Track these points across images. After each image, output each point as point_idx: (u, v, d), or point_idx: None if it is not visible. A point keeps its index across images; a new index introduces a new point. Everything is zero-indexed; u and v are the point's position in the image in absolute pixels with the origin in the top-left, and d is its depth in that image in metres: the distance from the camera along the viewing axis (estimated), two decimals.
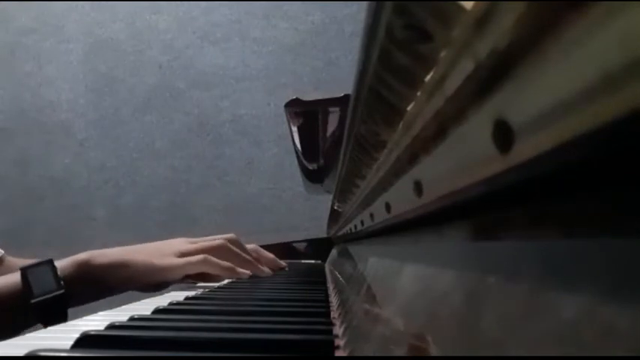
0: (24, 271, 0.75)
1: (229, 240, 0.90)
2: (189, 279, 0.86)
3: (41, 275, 0.75)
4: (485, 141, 0.16)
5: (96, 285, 0.79)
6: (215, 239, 0.90)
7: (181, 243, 0.88)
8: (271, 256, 1.04)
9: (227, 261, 0.87)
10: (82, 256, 0.79)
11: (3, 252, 0.92)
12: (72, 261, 0.78)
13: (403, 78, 0.23)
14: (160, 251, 0.84)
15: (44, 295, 0.73)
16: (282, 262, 1.07)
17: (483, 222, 0.19)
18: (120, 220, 2.08)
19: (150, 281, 0.82)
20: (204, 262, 0.82)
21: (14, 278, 0.75)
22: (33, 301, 0.73)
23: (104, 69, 2.17)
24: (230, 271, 0.85)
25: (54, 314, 0.73)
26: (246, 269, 0.90)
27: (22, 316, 0.74)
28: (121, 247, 0.84)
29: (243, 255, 0.91)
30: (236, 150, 2.08)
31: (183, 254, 0.83)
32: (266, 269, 0.95)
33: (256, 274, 0.91)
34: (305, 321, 0.47)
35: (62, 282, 0.75)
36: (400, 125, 0.27)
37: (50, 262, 0.76)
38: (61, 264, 0.77)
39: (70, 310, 0.75)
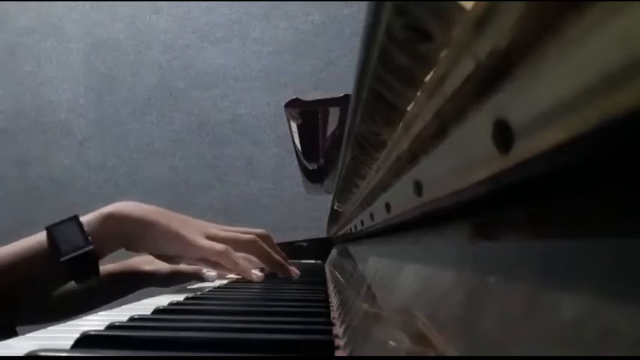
0: (49, 229, 0.73)
1: (261, 236, 0.88)
2: (204, 264, 0.84)
3: (68, 232, 0.73)
4: (486, 141, 0.16)
5: (122, 238, 0.77)
6: (248, 232, 0.88)
7: (213, 227, 0.85)
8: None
9: (255, 256, 0.86)
10: (107, 208, 0.77)
11: None
12: (98, 215, 0.76)
13: (403, 78, 0.23)
14: (189, 225, 0.81)
15: (73, 252, 0.72)
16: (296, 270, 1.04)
17: (483, 222, 0.19)
18: None
19: (168, 250, 0.79)
20: (223, 253, 0.79)
21: (40, 238, 0.73)
22: (62, 259, 0.71)
23: (104, 69, 2.17)
24: (244, 273, 0.83)
25: (85, 270, 0.72)
26: (274, 269, 0.88)
27: (53, 275, 0.72)
28: (152, 206, 0.81)
29: (272, 254, 0.88)
30: (236, 150, 2.08)
31: (209, 237, 0.80)
32: (295, 270, 0.92)
33: (284, 274, 0.89)
34: (305, 321, 0.47)
35: (90, 237, 0.73)
36: (400, 125, 0.27)
37: (75, 217, 0.74)
38: (86, 218, 0.75)
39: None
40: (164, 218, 0.79)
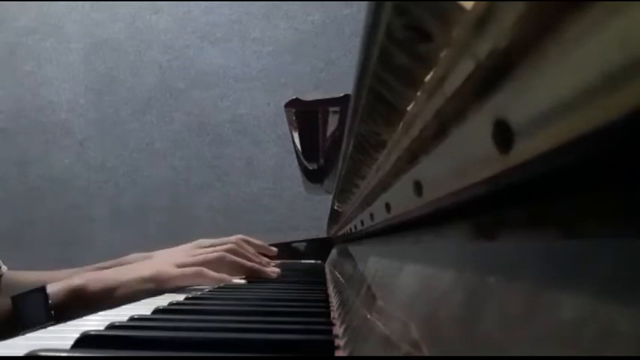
0: (15, 300, 0.74)
1: (233, 246, 0.92)
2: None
3: (32, 306, 0.75)
4: (486, 141, 0.16)
5: (89, 309, 0.78)
6: (223, 242, 0.93)
7: (185, 251, 0.90)
8: (259, 242, 1.06)
9: (229, 269, 0.89)
10: (76, 281, 0.79)
11: (6, 268, 0.92)
12: (66, 287, 0.78)
13: (403, 78, 0.23)
14: (157, 261, 0.86)
15: (34, 325, 0.72)
16: (272, 248, 1.09)
17: (483, 222, 0.19)
18: (120, 220, 2.08)
19: (144, 292, 0.82)
20: (197, 274, 0.84)
21: (6, 306, 0.74)
22: (22, 333, 0.73)
23: (104, 69, 2.17)
24: (222, 281, 0.86)
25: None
26: (250, 275, 0.92)
27: (7, 327, 0.72)
28: (114, 262, 0.85)
29: (245, 264, 0.92)
30: (236, 150, 2.08)
31: (179, 266, 0.85)
32: (272, 270, 0.96)
33: (264, 277, 0.93)
34: (305, 321, 0.47)
35: (53, 311, 0.75)
36: (400, 125, 0.27)
37: (43, 290, 0.75)
38: (53, 289, 0.76)
39: None
40: (129, 273, 0.83)
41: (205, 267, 0.85)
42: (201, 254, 0.90)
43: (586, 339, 0.10)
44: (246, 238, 0.99)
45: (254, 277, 0.93)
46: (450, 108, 0.19)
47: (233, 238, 0.96)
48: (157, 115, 2.13)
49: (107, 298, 0.78)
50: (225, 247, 0.93)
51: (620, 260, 0.10)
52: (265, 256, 1.05)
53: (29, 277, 0.83)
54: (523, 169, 0.14)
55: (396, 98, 0.25)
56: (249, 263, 0.93)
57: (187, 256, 0.89)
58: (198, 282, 0.84)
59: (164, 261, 0.86)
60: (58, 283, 0.79)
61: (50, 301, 0.75)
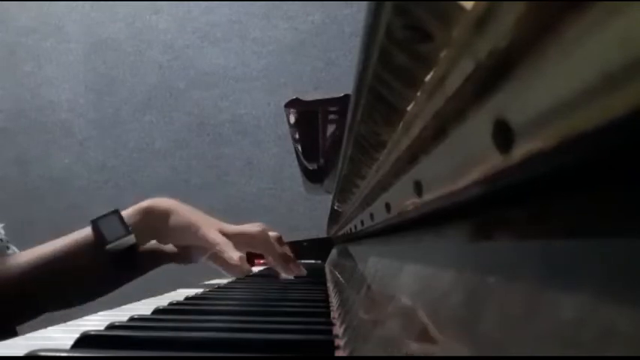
0: (94, 221, 0.81)
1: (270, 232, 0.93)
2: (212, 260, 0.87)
3: (111, 223, 0.81)
4: (486, 141, 0.16)
5: (155, 231, 0.85)
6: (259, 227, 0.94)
7: (226, 225, 0.91)
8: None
9: (261, 250, 0.91)
10: (145, 203, 0.86)
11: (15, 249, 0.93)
12: (137, 209, 0.85)
13: (403, 78, 0.23)
14: (207, 220, 0.89)
15: (117, 240, 0.79)
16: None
17: (483, 222, 0.19)
18: None
19: (188, 240, 0.85)
20: (227, 244, 0.84)
21: (84, 231, 0.81)
22: (108, 246, 0.79)
23: (104, 69, 2.17)
24: (234, 270, 0.86)
25: (128, 262, 0.80)
26: (280, 264, 0.91)
27: (101, 266, 0.79)
28: (177, 202, 0.90)
29: (279, 248, 0.93)
30: (236, 150, 2.08)
31: (222, 232, 0.86)
32: (302, 269, 0.96)
33: (291, 272, 0.93)
34: (305, 321, 0.47)
35: (130, 228, 0.81)
36: (400, 125, 0.27)
37: (117, 212, 0.82)
38: (126, 212, 0.83)
39: (71, 310, 0.75)
40: (188, 213, 0.87)
41: (244, 240, 0.86)
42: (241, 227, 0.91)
43: (586, 339, 0.10)
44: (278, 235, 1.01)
45: (283, 266, 0.92)
46: (450, 108, 0.19)
47: (269, 228, 0.97)
48: (156, 115, 2.13)
49: (166, 224, 0.84)
50: (266, 227, 0.93)
51: (620, 260, 0.10)
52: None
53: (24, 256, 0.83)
54: (523, 169, 0.14)
55: (396, 98, 0.25)
56: (283, 250, 0.93)
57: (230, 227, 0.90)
58: (222, 250, 0.84)
59: (212, 223, 0.87)
60: (129, 208, 0.85)
61: (125, 220, 0.81)
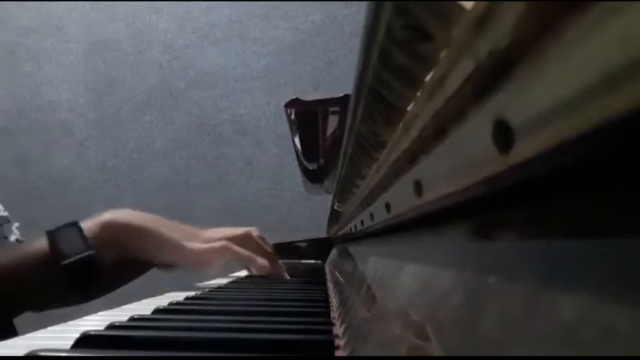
0: (50, 234, 0.72)
1: (252, 232, 0.90)
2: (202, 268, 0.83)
3: (68, 236, 0.72)
4: (486, 141, 0.16)
5: (120, 247, 0.76)
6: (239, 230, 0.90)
7: (205, 231, 0.86)
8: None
9: (250, 250, 0.86)
10: (106, 215, 0.76)
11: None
12: (97, 221, 0.75)
13: (403, 78, 0.23)
14: (185, 232, 0.81)
15: (74, 255, 0.70)
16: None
17: (483, 222, 0.19)
18: None
19: (167, 258, 0.78)
20: (224, 248, 0.80)
21: (41, 243, 0.72)
22: (63, 262, 0.70)
23: (104, 69, 2.17)
24: (249, 260, 0.84)
25: (85, 278, 0.71)
26: (266, 263, 0.87)
27: (53, 282, 0.71)
28: (149, 214, 0.80)
29: (266, 248, 0.90)
30: (236, 150, 2.08)
31: (206, 241, 0.81)
32: (283, 271, 0.92)
33: (273, 272, 0.89)
34: (305, 321, 0.47)
35: (90, 242, 0.72)
36: (400, 125, 0.27)
37: (75, 223, 0.73)
38: (85, 225, 0.74)
39: (70, 310, 0.75)
40: (162, 227, 0.78)
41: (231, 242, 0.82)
42: (224, 230, 0.87)
43: (586, 339, 0.10)
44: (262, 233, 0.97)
45: (266, 271, 0.88)
46: (450, 108, 0.19)
47: (249, 228, 0.93)
48: (156, 115, 2.13)
49: (135, 240, 0.75)
50: (250, 229, 0.90)
51: (620, 260, 0.10)
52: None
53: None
54: (523, 169, 0.14)
55: (396, 98, 0.25)
56: (269, 250, 0.90)
57: (211, 232, 0.86)
58: (224, 256, 0.81)
59: (190, 234, 0.81)
60: (89, 219, 0.76)
61: (84, 233, 0.72)
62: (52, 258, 0.70)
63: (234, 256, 0.81)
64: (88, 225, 0.74)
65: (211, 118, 2.10)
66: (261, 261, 0.85)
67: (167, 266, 0.82)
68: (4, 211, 1.07)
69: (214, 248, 0.80)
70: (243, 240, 0.86)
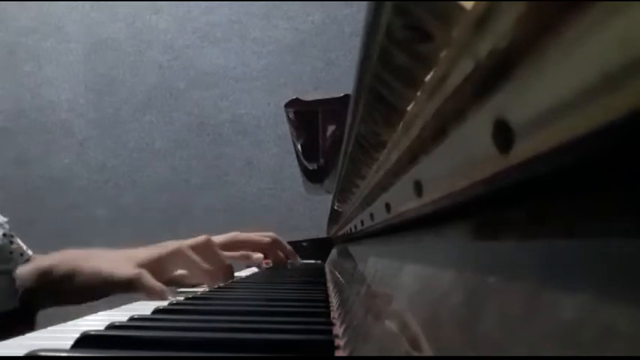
0: None
1: (198, 245, 0.81)
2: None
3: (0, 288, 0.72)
4: (486, 141, 0.16)
5: (60, 295, 0.76)
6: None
7: (140, 252, 0.79)
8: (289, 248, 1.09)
9: (184, 268, 0.80)
10: (46, 262, 0.76)
11: (31, 253, 0.92)
12: (35, 268, 0.75)
13: (403, 78, 0.23)
14: (120, 258, 0.77)
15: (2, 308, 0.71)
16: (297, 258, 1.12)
17: (483, 222, 0.19)
18: (120, 220, 2.08)
19: (98, 290, 0.75)
20: (138, 277, 0.72)
21: None
22: None
23: (104, 69, 2.17)
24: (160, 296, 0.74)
25: (16, 324, 0.69)
26: (197, 280, 0.82)
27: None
28: (88, 250, 0.79)
29: (199, 264, 0.79)
30: (236, 150, 2.08)
31: (140, 264, 0.74)
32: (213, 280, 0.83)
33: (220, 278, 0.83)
34: (305, 321, 0.47)
35: (20, 293, 0.73)
36: (400, 125, 0.27)
37: (9, 272, 0.74)
38: (22, 271, 0.74)
39: (71, 310, 0.74)
40: (87, 261, 0.75)
41: (175, 259, 0.76)
42: (156, 250, 0.79)
43: (586, 339, 0.10)
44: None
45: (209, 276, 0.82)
46: (450, 108, 0.19)
47: (198, 239, 0.83)
48: (156, 115, 2.13)
49: (64, 284, 0.74)
50: (199, 239, 0.82)
51: (620, 260, 0.10)
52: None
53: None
54: (523, 169, 0.14)
55: (396, 98, 0.25)
56: (203, 265, 0.79)
57: (145, 253, 0.78)
58: (137, 290, 0.72)
59: (123, 259, 0.76)
60: (29, 264, 0.75)
61: (18, 284, 0.72)
62: None
63: (143, 289, 0.72)
64: (25, 272, 0.74)
65: (211, 118, 2.10)
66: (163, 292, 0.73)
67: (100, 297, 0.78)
68: None
69: (134, 275, 0.72)
70: (200, 249, 0.80)
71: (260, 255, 0.95)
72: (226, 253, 0.91)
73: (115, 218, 2.09)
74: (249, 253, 0.98)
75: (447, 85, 0.19)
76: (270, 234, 1.13)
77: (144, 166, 2.13)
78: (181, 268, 0.81)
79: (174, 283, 0.82)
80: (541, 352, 0.12)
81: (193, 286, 0.82)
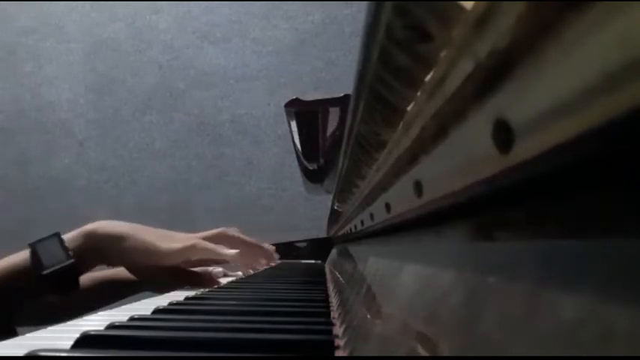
0: (32, 245, 0.77)
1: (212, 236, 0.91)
2: (183, 279, 0.84)
3: (50, 248, 0.77)
4: (486, 141, 0.16)
5: (101, 253, 0.81)
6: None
7: (186, 235, 0.89)
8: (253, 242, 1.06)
9: (228, 245, 0.88)
10: (89, 226, 0.82)
11: None
12: (80, 232, 0.81)
13: (403, 78, 0.23)
14: (163, 236, 0.85)
15: (54, 266, 0.76)
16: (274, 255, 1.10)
17: (483, 222, 0.19)
18: (120, 220, 2.07)
19: (146, 261, 0.82)
20: (194, 246, 0.82)
21: (24, 255, 0.78)
22: (44, 272, 0.75)
23: (104, 69, 2.17)
24: (222, 255, 0.85)
25: (65, 284, 0.77)
26: (237, 253, 0.89)
27: (35, 289, 0.76)
28: (130, 223, 0.86)
29: (245, 239, 0.93)
30: (236, 150, 2.08)
31: (180, 241, 0.83)
32: (263, 261, 0.97)
33: (263, 259, 0.95)
34: (305, 321, 0.47)
35: (71, 252, 0.77)
36: (400, 125, 0.27)
37: (57, 235, 0.79)
38: (68, 236, 0.79)
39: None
40: (139, 232, 0.83)
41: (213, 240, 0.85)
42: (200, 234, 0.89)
43: (586, 339, 0.10)
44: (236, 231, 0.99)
45: (254, 257, 0.94)
46: (450, 108, 0.19)
47: (222, 228, 0.95)
48: (156, 115, 2.13)
49: (114, 247, 0.80)
50: (222, 229, 0.92)
51: (620, 260, 0.10)
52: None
53: None
54: (523, 169, 0.14)
55: (396, 98, 0.25)
56: (250, 240, 0.93)
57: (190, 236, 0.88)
58: (198, 255, 0.83)
59: (166, 237, 0.85)
60: (74, 231, 0.81)
61: (67, 244, 0.78)
62: (33, 268, 0.76)
63: (205, 252, 0.83)
64: (70, 236, 0.80)
65: (211, 118, 2.10)
66: (232, 252, 0.86)
67: (153, 283, 0.86)
68: None
69: (186, 247, 0.82)
70: (217, 238, 0.89)
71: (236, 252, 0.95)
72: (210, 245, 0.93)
73: (115, 218, 2.08)
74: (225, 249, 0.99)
75: (447, 85, 0.19)
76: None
77: (144, 166, 2.13)
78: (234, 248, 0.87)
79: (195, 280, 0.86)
80: (541, 352, 0.12)
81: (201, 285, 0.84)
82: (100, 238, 0.80)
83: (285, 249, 1.37)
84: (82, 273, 0.79)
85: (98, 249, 0.80)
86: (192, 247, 0.82)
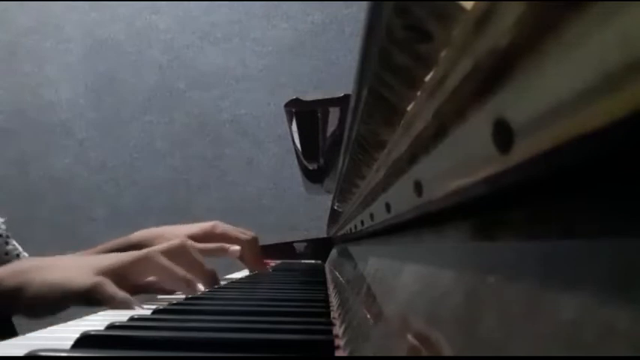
0: None
1: (171, 249, 0.74)
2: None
3: None
4: (486, 141, 0.16)
5: (8, 306, 0.71)
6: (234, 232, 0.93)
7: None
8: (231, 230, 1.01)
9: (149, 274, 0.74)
10: (19, 265, 0.73)
11: (27, 255, 0.90)
12: (10, 271, 0.70)
13: (403, 78, 0.23)
14: (77, 267, 0.71)
15: None
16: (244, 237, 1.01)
17: (483, 222, 0.19)
18: (120, 220, 2.08)
19: (52, 303, 0.68)
20: (95, 286, 0.65)
21: None
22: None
23: (104, 69, 2.17)
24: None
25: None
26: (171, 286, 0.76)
27: None
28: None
29: (171, 270, 0.72)
30: (236, 150, 2.08)
31: (100, 272, 0.67)
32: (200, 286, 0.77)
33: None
34: (305, 321, 0.47)
35: None
36: (400, 125, 0.27)
37: None
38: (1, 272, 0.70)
39: (71, 311, 0.74)
40: (38, 273, 0.69)
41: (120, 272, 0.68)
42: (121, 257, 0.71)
43: (586, 339, 0.10)
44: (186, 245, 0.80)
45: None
46: (450, 108, 0.19)
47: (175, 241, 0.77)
48: (157, 115, 2.13)
49: (25, 300, 0.68)
50: (175, 242, 0.76)
51: (620, 260, 0.10)
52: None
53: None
54: (523, 169, 0.14)
55: (396, 98, 0.25)
56: (177, 270, 0.71)
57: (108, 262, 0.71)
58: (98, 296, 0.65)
59: (84, 267, 0.69)
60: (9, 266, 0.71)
61: None
62: None
63: (103, 299, 0.65)
64: (3, 273, 0.70)
65: (211, 118, 2.10)
66: (182, 274, 0.72)
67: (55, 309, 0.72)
68: None
69: (95, 282, 0.66)
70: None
71: (237, 247, 0.89)
72: (200, 245, 0.82)
73: (115, 218, 2.09)
74: (226, 245, 0.90)
75: (447, 85, 0.19)
76: (250, 233, 1.03)
77: (144, 166, 2.13)
78: (152, 275, 0.74)
79: (151, 290, 0.77)
80: (541, 352, 0.12)
81: (172, 292, 0.76)
82: (5, 291, 0.68)
83: (285, 249, 1.37)
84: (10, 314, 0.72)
85: (5, 302, 0.69)
86: (101, 285, 0.65)
